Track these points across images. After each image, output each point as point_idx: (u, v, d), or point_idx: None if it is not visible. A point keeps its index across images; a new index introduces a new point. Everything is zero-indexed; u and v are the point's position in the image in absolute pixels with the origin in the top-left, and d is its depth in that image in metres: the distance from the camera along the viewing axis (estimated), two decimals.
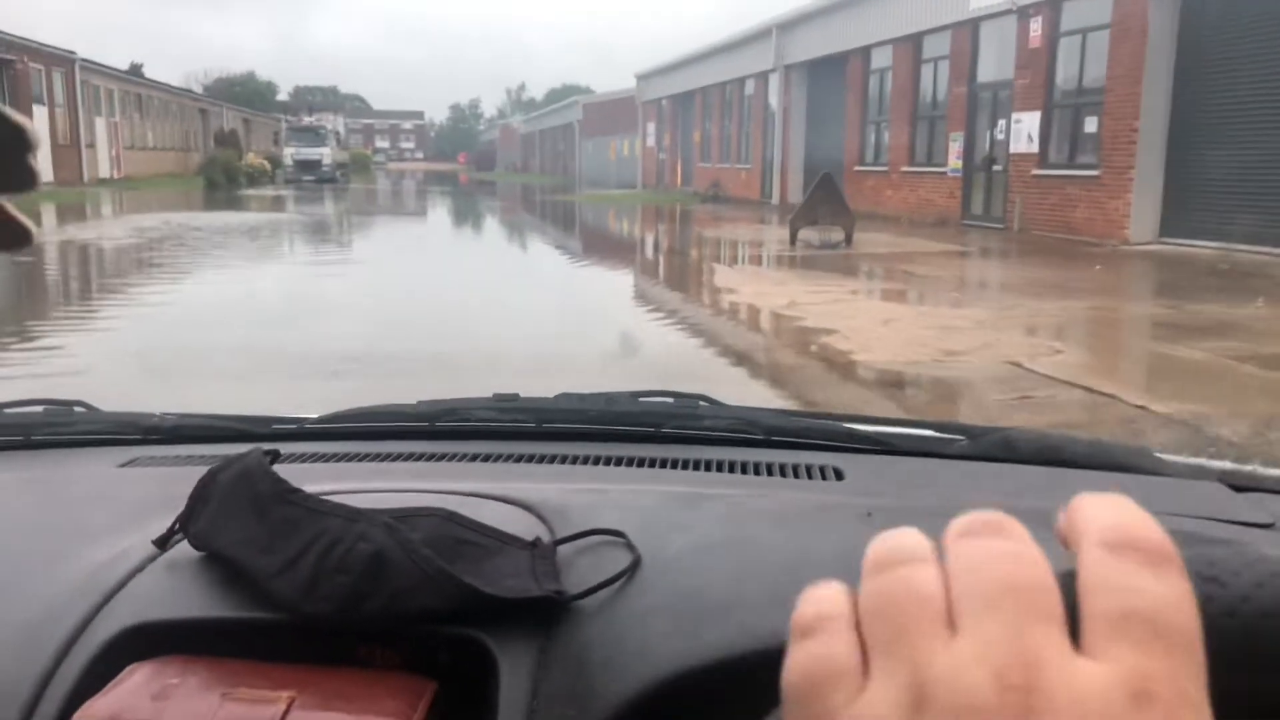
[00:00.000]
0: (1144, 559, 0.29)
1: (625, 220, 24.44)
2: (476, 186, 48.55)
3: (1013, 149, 16.93)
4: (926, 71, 20.05)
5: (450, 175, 67.68)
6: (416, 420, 1.34)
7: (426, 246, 17.91)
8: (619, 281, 12.76)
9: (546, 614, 0.74)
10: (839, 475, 1.14)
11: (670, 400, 1.39)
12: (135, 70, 63.91)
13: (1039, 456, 1.21)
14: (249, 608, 0.76)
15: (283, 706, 0.66)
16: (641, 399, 1.39)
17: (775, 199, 26.39)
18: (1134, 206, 14.29)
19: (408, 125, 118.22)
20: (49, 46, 32.70)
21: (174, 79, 73.15)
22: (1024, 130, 16.59)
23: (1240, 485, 1.14)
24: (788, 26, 25.49)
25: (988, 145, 17.93)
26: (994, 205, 17.73)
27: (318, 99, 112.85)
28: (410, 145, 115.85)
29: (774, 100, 26.90)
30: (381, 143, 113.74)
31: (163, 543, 0.86)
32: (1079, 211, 15.32)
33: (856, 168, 22.25)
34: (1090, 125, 15.27)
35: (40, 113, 31.70)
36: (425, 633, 0.74)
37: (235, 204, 28.11)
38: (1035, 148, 16.32)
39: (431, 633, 0.74)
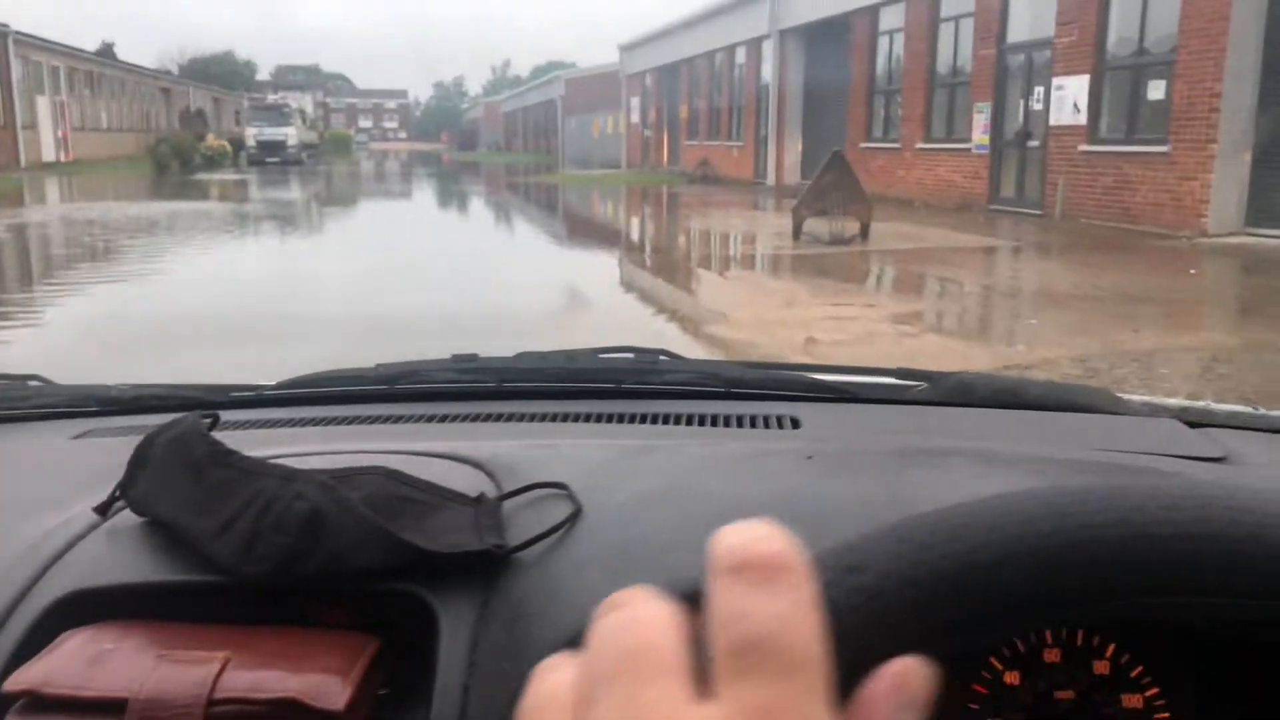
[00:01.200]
0: (758, 577, 0.28)
1: (602, 205, 21.62)
2: (454, 168, 45.73)
3: (1053, 120, 14.13)
4: (946, 32, 17.20)
5: (432, 155, 64.76)
6: (375, 383, 1.33)
7: (379, 251, 14.93)
8: (583, 303, 9.16)
9: (487, 568, 0.74)
10: (795, 424, 1.14)
11: (631, 356, 1.38)
12: (106, 50, 60.61)
13: (996, 399, 1.22)
14: (188, 571, 0.75)
15: (217, 666, 0.65)
16: (602, 355, 1.38)
17: (769, 180, 23.58)
18: (1214, 190, 11.53)
19: (391, 104, 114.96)
20: None
21: (148, 59, 70.13)
22: (1068, 98, 13.79)
23: (1194, 421, 1.16)
24: None
25: (1021, 117, 15.13)
26: (1029, 187, 14.95)
27: (299, 78, 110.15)
28: (394, 125, 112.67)
29: (768, 70, 24.03)
30: (365, 122, 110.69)
31: (104, 510, 0.84)
32: (1141, 195, 12.55)
33: (863, 144, 19.43)
34: (1155, 91, 12.46)
35: None
36: (369, 591, 0.73)
37: (176, 190, 25.23)
38: (1082, 119, 13.53)
39: (375, 590, 0.73)
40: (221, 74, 76.40)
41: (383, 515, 0.74)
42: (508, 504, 0.81)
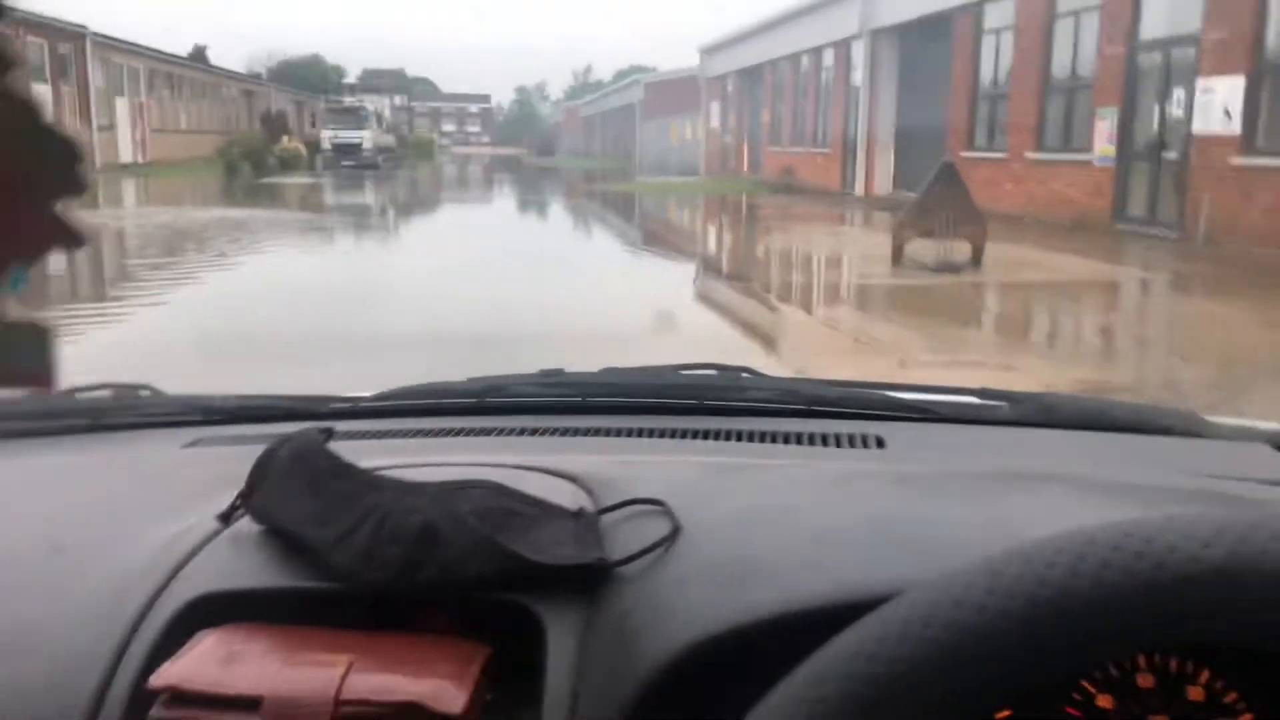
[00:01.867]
0: None
1: (677, 216, 20.04)
2: (531, 173, 44.65)
3: (1198, 129, 12.11)
4: (1063, 29, 15.23)
5: (511, 159, 64.10)
6: (464, 396, 1.36)
7: (448, 261, 13.50)
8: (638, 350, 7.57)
9: (591, 580, 0.76)
10: (880, 443, 1.14)
11: (713, 373, 1.40)
12: (198, 53, 60.90)
13: (1081, 421, 1.20)
14: (309, 578, 0.78)
15: (342, 670, 0.68)
16: (684, 372, 1.40)
17: (858, 190, 21.72)
18: None
19: (474, 109, 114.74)
20: (57, 20, 29.20)
21: (238, 63, 70.59)
22: (1216, 103, 11.78)
23: None
24: None
25: (1156, 124, 13.13)
26: (1164, 205, 12.93)
27: (385, 82, 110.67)
28: (476, 129, 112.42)
29: (858, 73, 22.19)
30: (448, 126, 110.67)
31: (226, 518, 0.88)
32: None
33: (964, 153, 17.49)
34: None
35: (41, 91, 28.22)
36: (476, 600, 0.76)
37: (239, 194, 24.36)
38: (1235, 127, 11.51)
39: (482, 600, 0.76)
40: (309, 78, 76.66)
41: (491, 528, 0.77)
42: (605, 518, 0.83)
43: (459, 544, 0.76)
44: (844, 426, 1.20)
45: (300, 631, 0.74)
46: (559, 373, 1.37)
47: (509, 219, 21.14)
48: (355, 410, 1.34)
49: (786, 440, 1.16)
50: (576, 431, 1.22)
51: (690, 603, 0.70)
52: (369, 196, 26.01)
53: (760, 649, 0.65)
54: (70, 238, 0.42)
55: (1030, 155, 15.75)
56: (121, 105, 34.79)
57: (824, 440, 1.16)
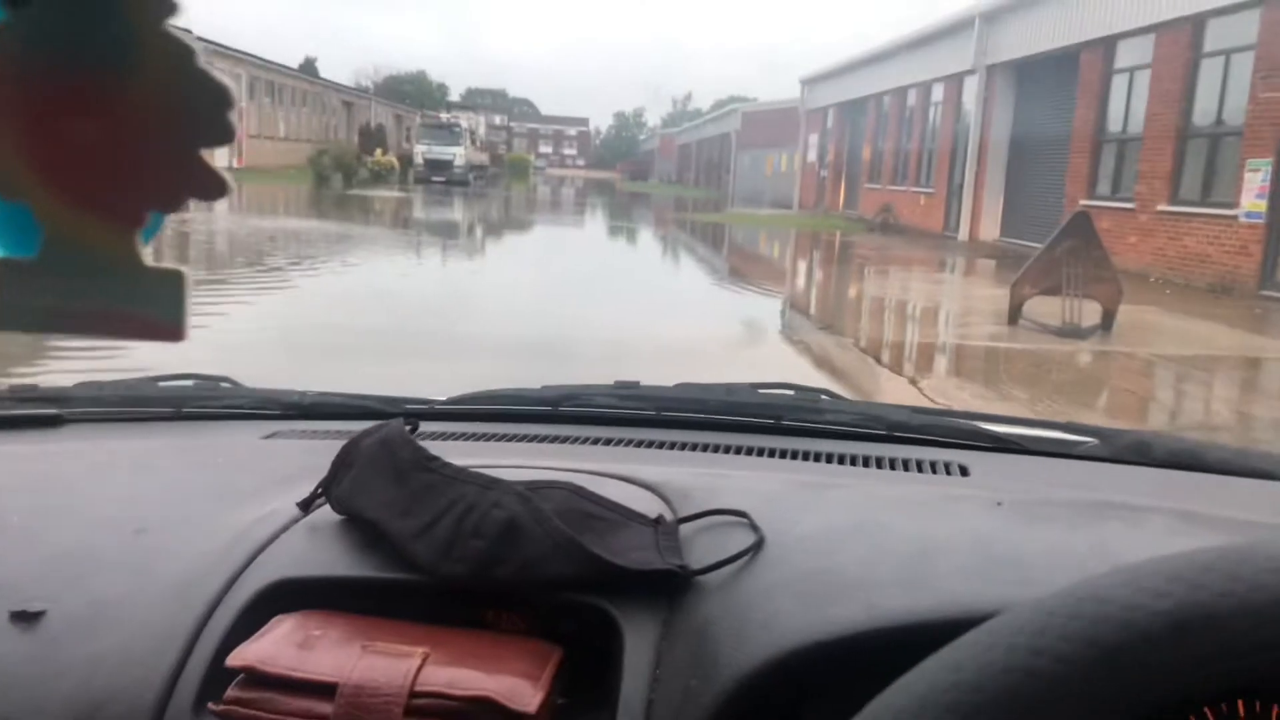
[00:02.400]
0: None
1: (767, 251, 18.80)
2: (622, 198, 43.91)
3: None
4: (1209, 69, 13.62)
5: (605, 183, 63.80)
6: (540, 404, 1.34)
7: (531, 285, 12.51)
8: None
9: (671, 587, 0.74)
10: (964, 471, 1.11)
11: (791, 393, 1.37)
12: (308, 65, 61.82)
13: (1175, 460, 1.16)
14: (387, 568, 0.78)
15: (418, 661, 0.68)
16: (761, 390, 1.37)
17: (962, 234, 20.19)
18: None
19: (571, 132, 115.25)
20: None
21: (345, 76, 71.71)
22: None
23: None
24: (995, 15, 19.29)
25: None
26: None
27: (487, 101, 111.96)
28: (572, 152, 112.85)
29: (969, 110, 20.73)
30: (545, 148, 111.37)
31: (306, 505, 0.88)
32: None
33: (1084, 201, 15.92)
34: None
35: None
36: (552, 600, 0.75)
37: (326, 204, 23.86)
38: None
39: (558, 600, 0.75)
40: (413, 93, 77.50)
41: (571, 527, 0.76)
42: (685, 527, 0.82)
43: (541, 542, 0.74)
44: (927, 453, 1.16)
45: (374, 621, 0.74)
46: (634, 385, 1.37)
47: (593, 244, 20.15)
48: (432, 412, 1.33)
49: (867, 464, 1.13)
50: (652, 444, 1.20)
51: (774, 615, 0.68)
52: (455, 214, 25.37)
53: (846, 665, 0.64)
54: (210, 186, 0.41)
55: (1163, 207, 14.12)
56: None
57: (906, 466, 1.13)
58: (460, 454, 0.97)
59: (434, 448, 0.94)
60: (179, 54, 0.39)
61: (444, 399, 1.37)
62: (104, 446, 1.21)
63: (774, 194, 38.55)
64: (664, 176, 74.29)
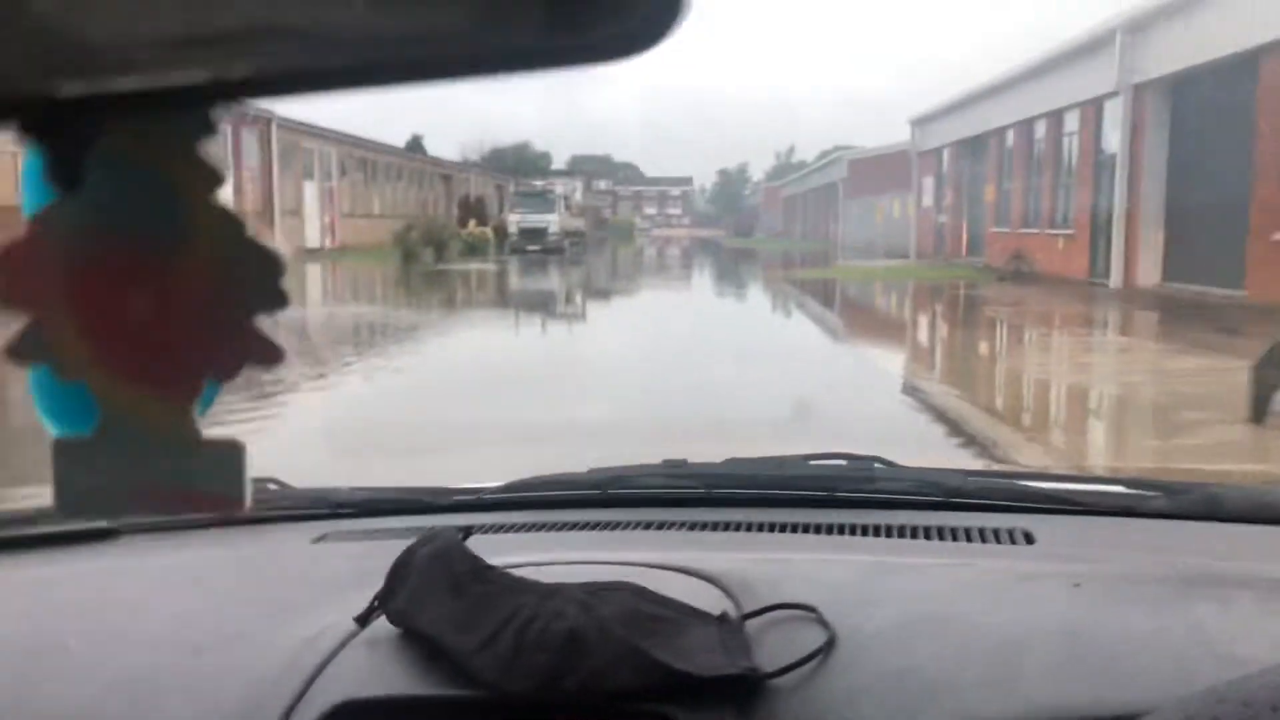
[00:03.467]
0: None
1: (883, 310, 16.17)
2: (726, 256, 41.79)
3: None
4: None
5: (709, 242, 62.04)
6: (589, 488, 1.33)
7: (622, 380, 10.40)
8: None
9: (742, 692, 0.72)
10: (1029, 539, 1.07)
11: (843, 462, 1.34)
12: (415, 143, 61.94)
13: (1249, 514, 1.12)
14: (450, 685, 0.76)
15: None
16: (812, 461, 1.33)
17: (1114, 281, 17.18)
18: None
19: (675, 192, 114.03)
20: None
21: (450, 151, 72.04)
22: None
23: None
24: (1141, 26, 16.43)
25: None
26: None
27: (591, 167, 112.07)
28: (677, 211, 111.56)
29: (1113, 138, 17.80)
30: (649, 209, 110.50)
31: (363, 620, 0.86)
32: None
33: (1278, 237, 12.91)
34: None
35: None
36: (622, 709, 0.73)
37: (409, 283, 22.34)
38: None
39: (628, 710, 0.73)
40: (516, 164, 77.43)
41: (635, 634, 0.74)
42: (751, 624, 0.79)
43: (605, 652, 0.73)
44: (988, 520, 1.12)
45: None
46: (682, 463, 1.34)
47: (693, 312, 17.86)
48: (481, 502, 1.32)
49: (929, 535, 1.09)
50: (704, 526, 1.17)
51: None
52: (545, 284, 23.61)
53: None
54: (266, 355, 0.40)
55: None
56: (310, 189, 34.12)
57: (968, 535, 1.09)
58: (513, 548, 1.00)
59: (486, 542, 0.96)
60: (230, 225, 0.39)
61: (494, 486, 1.34)
62: (157, 561, 1.18)
63: (887, 243, 35.73)
64: (769, 231, 72.03)
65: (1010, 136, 23.70)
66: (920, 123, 30.98)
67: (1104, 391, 8.19)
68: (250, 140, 29.23)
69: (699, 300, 20.78)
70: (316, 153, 34.51)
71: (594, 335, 13.38)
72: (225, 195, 0.39)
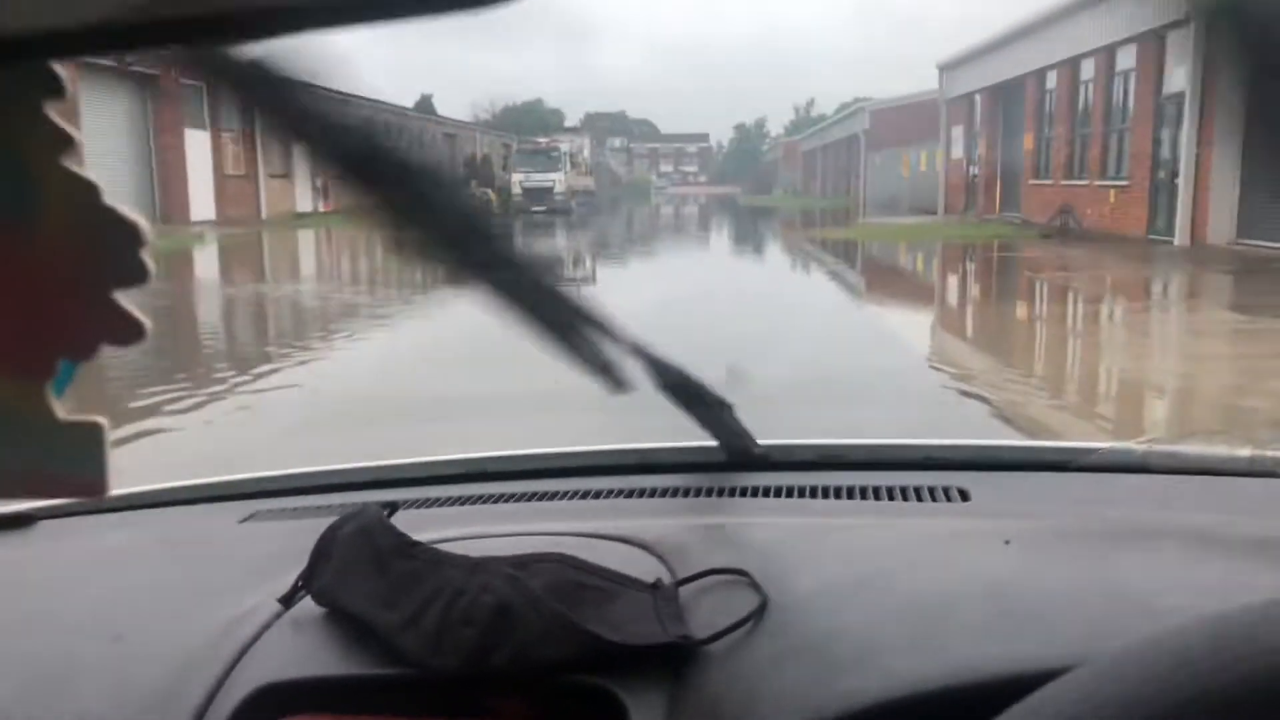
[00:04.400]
0: None
1: (912, 277, 14.09)
2: (743, 215, 39.75)
3: None
4: None
5: (726, 199, 59.95)
6: (519, 460, 1.30)
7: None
8: None
9: (675, 660, 0.71)
10: (964, 496, 1.07)
11: None
12: (424, 103, 59.76)
13: (1178, 467, 1.13)
14: (376, 664, 0.75)
15: None
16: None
17: (1180, 237, 15.02)
18: None
19: (691, 149, 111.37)
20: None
21: (461, 111, 70.00)
22: None
23: None
24: None
25: None
26: None
27: (605, 124, 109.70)
28: (693, 169, 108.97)
29: (1177, 76, 15.55)
30: (665, 166, 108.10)
31: (287, 600, 0.84)
32: None
33: None
34: None
35: (198, 138, 25.43)
36: (553, 683, 0.72)
37: (379, 254, 20.27)
38: None
39: (560, 683, 0.72)
40: (528, 123, 75.20)
41: (565, 605, 0.72)
42: (684, 590, 0.78)
43: (535, 625, 0.71)
44: (924, 479, 1.11)
45: None
46: None
47: (704, 277, 15.82)
48: (411, 479, 1.28)
49: (864, 495, 1.09)
50: (640, 492, 1.14)
51: (784, 688, 0.65)
52: (553, 248, 21.61)
53: None
54: (125, 332, 0.38)
55: None
56: (299, 151, 32.12)
57: (904, 494, 1.08)
58: (440, 522, 0.98)
59: (416, 518, 0.93)
60: (83, 193, 0.36)
61: (424, 462, 1.30)
62: (76, 546, 1.15)
63: (913, 198, 33.41)
64: (788, 187, 69.49)
65: (1052, 78, 21.36)
66: (949, 68, 28.54)
67: (1224, 385, 6.15)
68: (226, 98, 27.13)
69: (714, 265, 18.72)
70: None
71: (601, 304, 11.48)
72: (77, 160, 0.35)
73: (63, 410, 0.38)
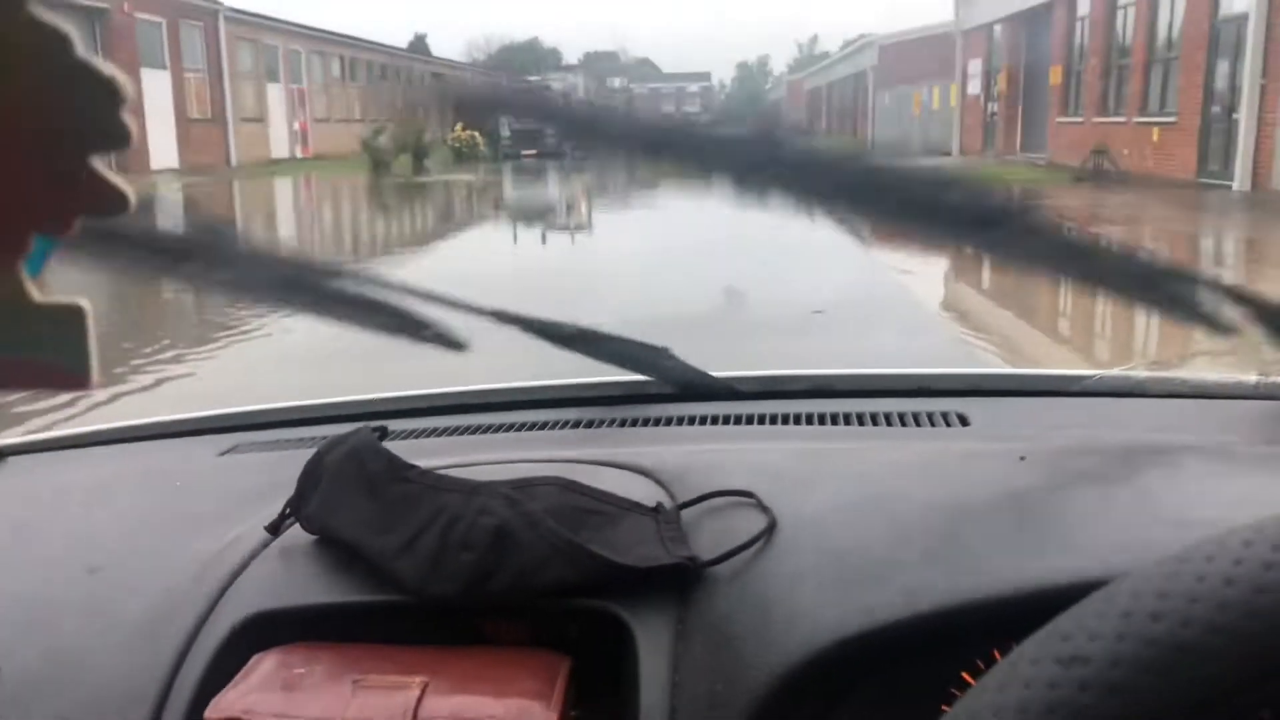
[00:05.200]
0: None
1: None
2: None
3: None
4: None
5: None
6: (515, 390, 1.25)
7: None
8: None
9: (680, 582, 0.68)
10: (964, 421, 1.06)
11: None
12: (419, 42, 57.31)
13: (1172, 391, 1.12)
14: (370, 591, 0.71)
15: (417, 692, 0.62)
16: None
17: (1237, 180, 13.14)
18: None
19: (693, 88, 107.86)
20: None
21: (457, 50, 67.62)
22: None
23: None
24: None
25: None
26: None
27: (604, 63, 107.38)
28: (694, 109, 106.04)
29: None
30: (667, 107, 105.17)
31: (275, 528, 0.81)
32: None
33: None
34: None
35: (157, 78, 23.34)
36: (554, 607, 0.69)
37: (372, 203, 18.59)
38: None
39: (561, 607, 0.69)
40: (525, 62, 72.81)
41: (566, 528, 0.69)
42: (687, 513, 0.75)
43: (536, 548, 0.67)
44: (924, 405, 1.09)
45: (365, 650, 0.67)
46: None
47: (707, 227, 13.99)
48: (405, 410, 1.22)
49: (863, 421, 1.07)
50: (638, 421, 1.12)
51: (802, 606, 0.62)
52: (542, 194, 20.01)
53: (885, 656, 0.59)
54: (105, 201, 0.34)
55: None
56: (274, 93, 29.90)
57: (903, 420, 1.06)
58: (437, 453, 0.93)
59: (409, 448, 0.89)
60: (51, 44, 0.31)
61: (419, 394, 1.24)
62: (48, 481, 1.11)
63: (926, 138, 31.28)
64: (793, 127, 67.02)
65: (1085, 3, 19.25)
66: None
67: None
68: (192, 37, 25.00)
69: (714, 212, 16.86)
70: (282, 50, 30.18)
71: (593, 254, 10.74)
72: (42, 4, 0.30)
73: (38, 292, 0.34)
